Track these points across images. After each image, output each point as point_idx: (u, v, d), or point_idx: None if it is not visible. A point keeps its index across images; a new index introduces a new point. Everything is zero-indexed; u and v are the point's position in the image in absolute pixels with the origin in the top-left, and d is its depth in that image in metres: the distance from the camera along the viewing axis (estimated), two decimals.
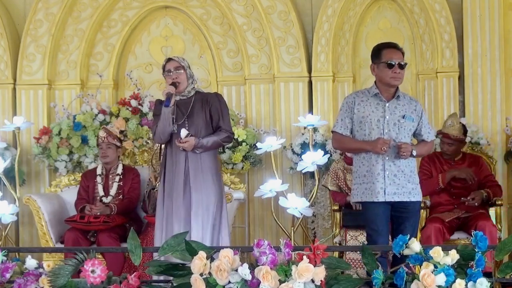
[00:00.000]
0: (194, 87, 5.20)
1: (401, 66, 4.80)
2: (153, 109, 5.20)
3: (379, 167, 4.78)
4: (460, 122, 6.30)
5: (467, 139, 6.65)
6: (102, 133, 6.43)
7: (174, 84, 5.06)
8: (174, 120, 5.08)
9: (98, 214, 6.14)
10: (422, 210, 6.29)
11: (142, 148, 6.95)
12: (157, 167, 6.02)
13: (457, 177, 6.09)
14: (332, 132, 5.04)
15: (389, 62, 4.78)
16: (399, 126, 4.80)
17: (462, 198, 6.05)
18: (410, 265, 3.61)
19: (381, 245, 4.54)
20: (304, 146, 6.82)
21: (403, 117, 4.81)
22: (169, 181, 5.11)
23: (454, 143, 6.17)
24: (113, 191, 6.36)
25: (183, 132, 5.02)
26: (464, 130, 6.27)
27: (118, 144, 6.48)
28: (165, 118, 5.02)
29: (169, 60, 5.17)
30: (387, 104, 4.81)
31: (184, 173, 5.07)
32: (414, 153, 4.80)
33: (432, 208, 6.24)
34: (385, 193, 4.77)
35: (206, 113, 5.14)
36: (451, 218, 5.97)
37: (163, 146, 5.28)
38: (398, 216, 4.87)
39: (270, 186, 5.85)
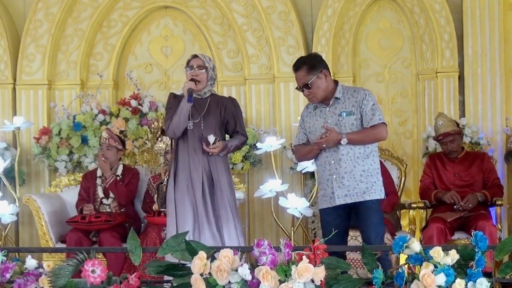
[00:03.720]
0: (211, 89, 5.18)
1: (305, 87, 4.75)
2: (167, 102, 5.16)
3: (327, 173, 4.77)
4: (449, 117, 6.36)
5: (467, 139, 6.65)
6: (104, 134, 6.42)
7: (193, 80, 5.02)
8: (190, 117, 5.05)
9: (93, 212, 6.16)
10: (423, 210, 6.30)
11: (142, 148, 6.95)
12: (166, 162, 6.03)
13: (444, 200, 6.10)
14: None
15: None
16: (339, 125, 4.73)
17: (455, 206, 6.03)
18: (411, 265, 3.61)
19: (381, 245, 4.54)
20: None
21: (340, 114, 4.76)
22: (183, 179, 5.06)
23: (456, 138, 6.19)
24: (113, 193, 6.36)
25: (211, 138, 4.99)
26: (456, 122, 6.33)
27: (120, 147, 6.45)
28: (182, 113, 4.97)
29: (195, 56, 5.13)
30: (327, 109, 4.79)
31: (202, 173, 5.05)
32: (343, 141, 4.67)
33: (434, 207, 6.24)
34: (335, 197, 4.71)
35: (221, 115, 5.12)
36: (453, 218, 5.97)
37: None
38: (357, 218, 4.81)
39: (270, 186, 5.86)
